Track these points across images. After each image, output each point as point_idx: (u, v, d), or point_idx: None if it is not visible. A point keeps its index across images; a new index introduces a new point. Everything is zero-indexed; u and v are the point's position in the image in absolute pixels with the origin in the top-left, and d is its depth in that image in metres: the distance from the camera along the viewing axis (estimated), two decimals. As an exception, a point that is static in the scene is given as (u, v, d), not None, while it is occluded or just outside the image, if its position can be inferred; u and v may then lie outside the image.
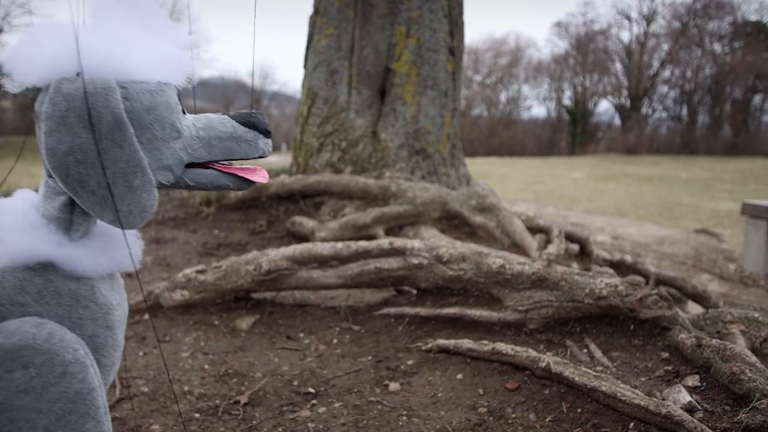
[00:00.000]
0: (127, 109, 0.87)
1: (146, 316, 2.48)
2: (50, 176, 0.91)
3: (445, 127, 3.84)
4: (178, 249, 3.31)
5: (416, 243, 2.34)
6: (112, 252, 0.96)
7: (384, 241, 2.38)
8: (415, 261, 2.30)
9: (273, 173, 4.09)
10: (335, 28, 3.81)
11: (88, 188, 0.85)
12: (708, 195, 13.23)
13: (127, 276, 2.98)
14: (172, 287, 2.48)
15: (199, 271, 2.49)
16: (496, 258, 2.26)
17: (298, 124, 4.03)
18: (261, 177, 1.02)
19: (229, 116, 0.99)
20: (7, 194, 1.00)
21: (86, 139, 0.83)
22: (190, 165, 0.97)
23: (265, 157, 1.03)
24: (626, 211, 10.16)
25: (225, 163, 1.02)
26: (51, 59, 0.85)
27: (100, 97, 0.83)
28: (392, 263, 2.33)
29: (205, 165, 0.99)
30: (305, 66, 4.03)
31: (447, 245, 2.33)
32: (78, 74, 0.84)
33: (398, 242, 2.36)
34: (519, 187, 13.90)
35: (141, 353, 2.20)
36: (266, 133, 1.01)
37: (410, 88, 3.76)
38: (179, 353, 2.20)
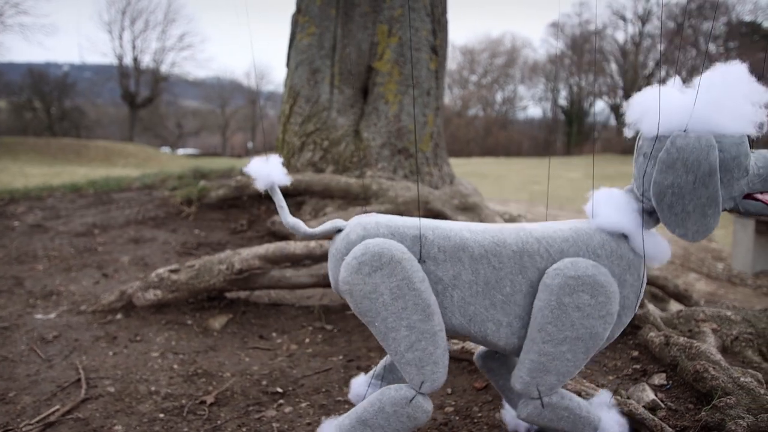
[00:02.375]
0: (720, 159, 1.15)
1: (119, 316, 2.46)
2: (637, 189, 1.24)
3: (428, 126, 3.83)
4: (156, 249, 3.29)
5: (389, 241, 2.33)
6: (658, 247, 1.25)
7: (357, 240, 2.36)
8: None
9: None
10: (317, 27, 3.79)
11: (674, 211, 1.17)
12: (701, 195, 13.22)
13: (103, 276, 2.96)
14: (145, 287, 2.46)
15: (172, 271, 2.47)
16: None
17: (280, 123, 4.02)
18: None
19: None
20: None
21: (684, 180, 1.13)
22: (746, 195, 1.22)
23: None
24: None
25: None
26: (668, 118, 1.15)
27: (703, 152, 1.12)
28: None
29: (753, 195, 1.22)
30: (287, 65, 4.02)
31: (420, 244, 2.32)
32: (685, 131, 1.14)
33: (371, 241, 2.34)
34: (515, 187, 13.90)
35: (111, 353, 2.18)
36: None
37: (392, 86, 3.75)
38: (149, 353, 2.18)
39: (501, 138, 36.42)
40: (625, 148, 32.53)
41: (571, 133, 36.41)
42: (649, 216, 1.26)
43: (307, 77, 3.82)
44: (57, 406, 1.82)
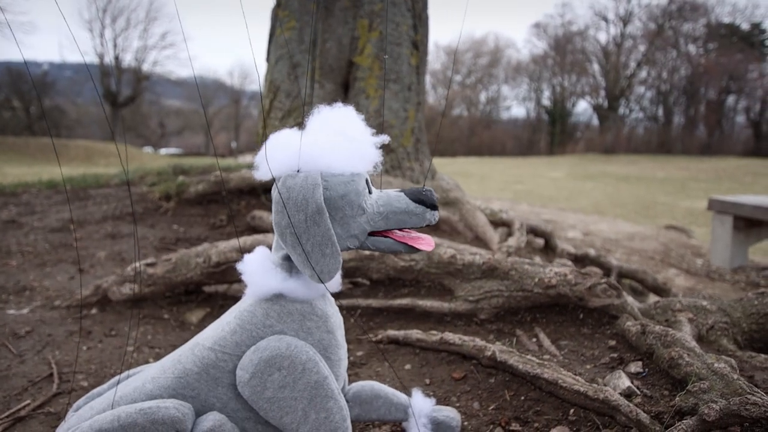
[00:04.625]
0: (326, 197, 1.17)
1: (94, 311, 2.42)
2: None
3: (409, 121, 3.82)
4: (134, 244, 3.24)
5: (368, 234, 2.31)
6: (310, 285, 1.25)
7: (336, 232, 2.35)
8: (365, 252, 2.27)
9: (235, 168, 4.03)
10: (297, 21, 3.77)
11: (297, 251, 1.16)
12: (683, 194, 13.40)
13: (78, 271, 2.91)
14: (121, 281, 2.42)
15: (148, 264, 2.43)
16: (447, 248, 2.24)
17: (260, 118, 3.98)
18: (426, 245, 1.24)
19: (404, 193, 1.24)
20: None
21: (297, 219, 1.14)
22: (372, 233, 1.24)
23: (432, 224, 1.26)
24: (604, 209, 10.24)
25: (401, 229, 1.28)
26: (281, 160, 1.17)
27: (309, 190, 1.14)
28: (343, 255, 2.30)
29: (383, 233, 1.24)
30: (267, 59, 3.99)
31: (399, 236, 2.31)
32: (298, 171, 1.17)
33: (350, 233, 2.32)
34: (499, 187, 13.96)
35: (85, 348, 2.14)
36: (433, 207, 1.24)
37: (373, 81, 3.74)
38: (124, 347, 2.15)
39: (485, 138, 36.60)
40: (608, 147, 32.86)
41: (554, 133, 36.68)
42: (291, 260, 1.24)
43: (288, 72, 3.79)
44: (28, 401, 1.78)
